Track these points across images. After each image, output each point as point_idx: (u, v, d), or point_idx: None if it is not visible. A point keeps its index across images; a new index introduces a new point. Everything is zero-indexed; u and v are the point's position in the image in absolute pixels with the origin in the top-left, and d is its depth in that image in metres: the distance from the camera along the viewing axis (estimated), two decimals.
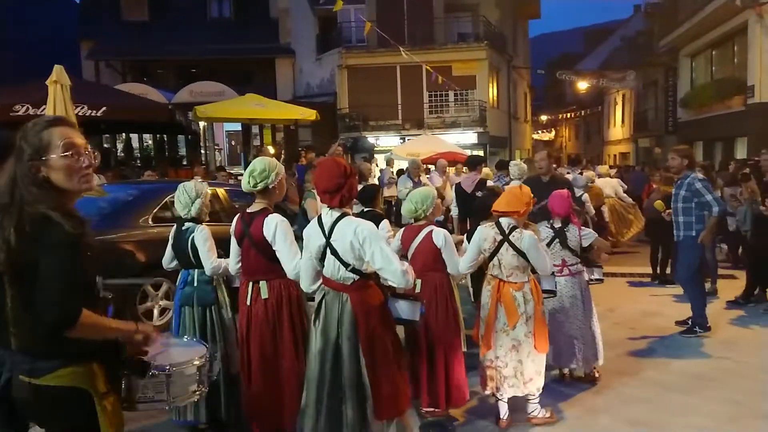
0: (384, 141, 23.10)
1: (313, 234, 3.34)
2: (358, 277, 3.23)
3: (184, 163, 17.38)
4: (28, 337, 2.11)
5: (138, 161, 17.72)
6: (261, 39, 25.35)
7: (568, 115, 43.70)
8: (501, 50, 25.84)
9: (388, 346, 3.29)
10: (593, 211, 9.60)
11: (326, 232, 3.25)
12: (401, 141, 22.17)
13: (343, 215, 3.26)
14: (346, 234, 3.19)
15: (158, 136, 19.33)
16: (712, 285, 8.28)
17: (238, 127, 22.52)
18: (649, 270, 9.47)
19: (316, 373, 3.30)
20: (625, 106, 33.42)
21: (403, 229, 4.54)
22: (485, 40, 23.89)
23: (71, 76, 8.80)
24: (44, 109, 8.87)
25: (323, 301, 3.32)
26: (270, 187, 3.73)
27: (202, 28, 25.56)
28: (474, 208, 5.69)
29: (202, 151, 18.74)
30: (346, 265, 3.21)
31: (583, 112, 40.74)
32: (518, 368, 4.19)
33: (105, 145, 18.96)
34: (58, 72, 8.79)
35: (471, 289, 6.49)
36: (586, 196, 9.65)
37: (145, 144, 21.81)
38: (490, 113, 24.09)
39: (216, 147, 22.23)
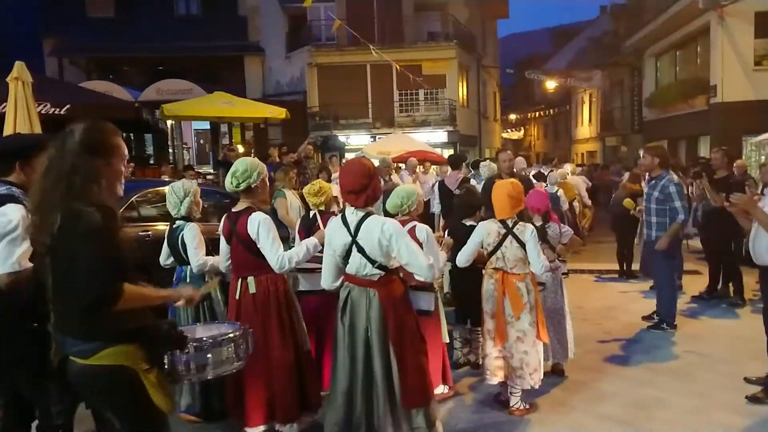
0: (354, 139, 23.07)
1: (336, 232, 3.43)
2: (383, 272, 3.35)
3: (152, 162, 17.10)
4: (65, 319, 2.33)
5: None
6: (229, 36, 25.06)
7: (537, 114, 44.21)
8: (470, 49, 25.99)
9: (414, 336, 3.44)
10: (567, 206, 9.83)
11: (352, 231, 3.34)
12: (372, 139, 22.16)
13: (368, 214, 3.37)
14: (372, 232, 3.29)
15: (124, 134, 18.95)
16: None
17: (206, 125, 22.25)
18: (616, 266, 9.63)
19: (346, 366, 3.41)
20: (592, 106, 33.92)
21: None
22: (454, 40, 24.02)
23: (33, 73, 8.58)
24: (5, 106, 8.64)
25: (348, 297, 3.42)
26: (252, 186, 3.86)
27: (169, 25, 25.16)
28: (455, 205, 5.78)
29: (170, 150, 18.45)
30: (372, 262, 3.32)
31: (551, 111, 41.25)
32: (524, 359, 4.36)
33: None
34: (19, 69, 8.55)
35: (449, 289, 6.52)
36: (561, 192, 9.86)
37: None
38: (460, 112, 24.23)
39: (184, 146, 21.91)
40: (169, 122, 16.00)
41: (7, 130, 8.59)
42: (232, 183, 3.82)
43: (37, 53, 23.69)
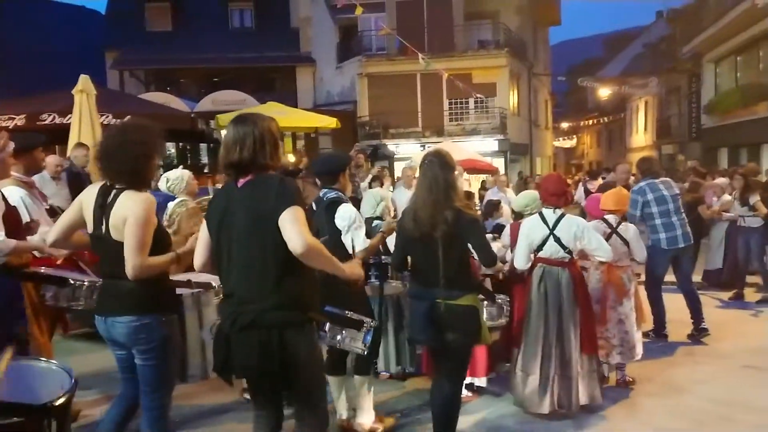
0: (404, 148, 23.07)
1: (535, 226, 4.51)
2: (570, 256, 4.46)
3: (206, 171, 17.54)
4: (449, 278, 3.51)
5: (161, 168, 17.82)
6: (282, 48, 25.57)
7: (590, 122, 43.27)
8: (521, 57, 25.77)
9: (591, 302, 4.71)
10: None
11: (550, 225, 4.41)
12: (421, 148, 22.11)
13: (563, 213, 4.45)
14: (570, 227, 4.41)
15: (180, 144, 19.52)
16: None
17: None
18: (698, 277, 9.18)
19: (540, 323, 4.41)
20: (647, 113, 33.07)
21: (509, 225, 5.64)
22: (505, 47, 23.85)
23: (96, 86, 8.91)
24: (70, 117, 9.03)
25: (543, 274, 4.47)
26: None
27: (224, 37, 25.87)
28: None
29: None
30: (564, 248, 4.41)
31: (604, 118, 40.32)
32: (624, 338, 5.06)
33: None
34: (84, 81, 8.92)
35: None
36: None
37: (168, 152, 21.99)
38: (511, 120, 24.02)
39: None
40: (223, 132, 16.33)
41: (72, 139, 8.96)
42: None
43: (100, 66, 24.69)
